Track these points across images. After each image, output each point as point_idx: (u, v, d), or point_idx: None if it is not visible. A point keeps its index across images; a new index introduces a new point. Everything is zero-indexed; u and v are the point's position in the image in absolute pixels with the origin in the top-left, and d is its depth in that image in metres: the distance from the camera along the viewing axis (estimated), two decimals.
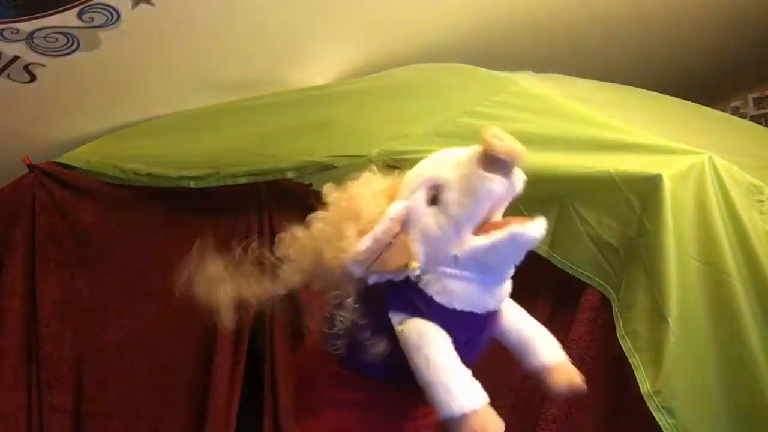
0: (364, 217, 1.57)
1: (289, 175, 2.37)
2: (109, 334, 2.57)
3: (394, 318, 1.58)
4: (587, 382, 2.00)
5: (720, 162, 1.98)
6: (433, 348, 1.53)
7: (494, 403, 1.74)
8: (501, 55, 2.73)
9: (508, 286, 1.63)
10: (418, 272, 1.55)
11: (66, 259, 2.61)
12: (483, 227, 1.52)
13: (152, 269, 2.58)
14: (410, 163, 2.16)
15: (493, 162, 1.48)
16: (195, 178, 2.48)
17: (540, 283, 2.16)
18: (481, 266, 1.54)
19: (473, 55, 2.60)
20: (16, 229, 2.61)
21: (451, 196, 1.52)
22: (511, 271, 1.59)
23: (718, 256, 1.89)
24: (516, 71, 2.48)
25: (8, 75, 2.52)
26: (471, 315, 1.58)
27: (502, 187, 1.51)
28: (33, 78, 2.55)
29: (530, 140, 2.12)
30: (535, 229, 1.51)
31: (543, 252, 2.06)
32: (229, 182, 2.45)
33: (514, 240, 1.50)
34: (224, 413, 2.43)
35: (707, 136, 2.36)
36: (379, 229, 1.53)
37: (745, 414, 1.86)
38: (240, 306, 1.70)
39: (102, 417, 2.55)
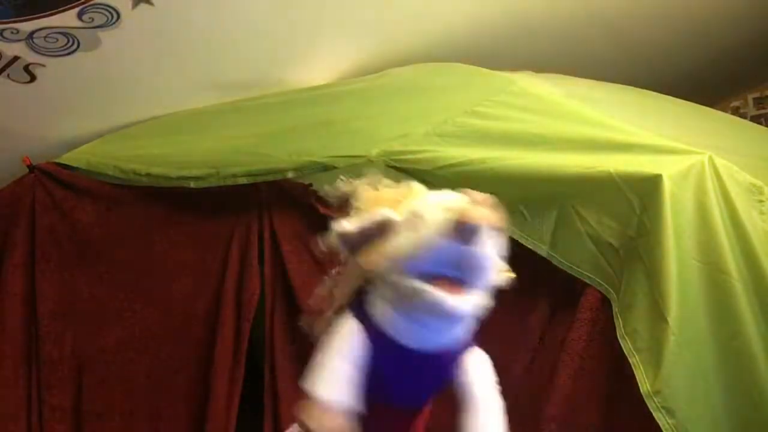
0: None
1: (289, 175, 2.37)
2: (109, 334, 2.58)
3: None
4: (587, 381, 2.01)
5: (720, 162, 1.97)
6: (338, 337, 1.60)
7: None
8: (501, 55, 2.73)
9: (457, 336, 1.62)
10: (371, 276, 1.61)
11: (66, 259, 2.61)
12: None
13: (152, 269, 2.58)
14: (410, 163, 2.20)
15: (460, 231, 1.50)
16: (195, 178, 2.48)
17: (540, 283, 2.16)
18: (408, 305, 1.56)
19: (473, 55, 2.60)
20: (16, 229, 2.61)
21: (416, 235, 1.55)
22: (444, 331, 1.59)
23: (718, 256, 1.89)
24: (516, 71, 2.49)
25: (8, 75, 2.51)
26: (401, 346, 1.59)
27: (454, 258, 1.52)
28: (33, 78, 2.55)
29: (530, 140, 2.14)
30: (459, 302, 1.52)
31: (543, 252, 2.06)
32: (229, 182, 2.45)
33: (432, 304, 1.52)
34: (224, 413, 2.43)
35: (707, 136, 2.36)
36: (366, 217, 1.60)
37: (744, 414, 1.86)
38: None
39: (102, 417, 2.55)
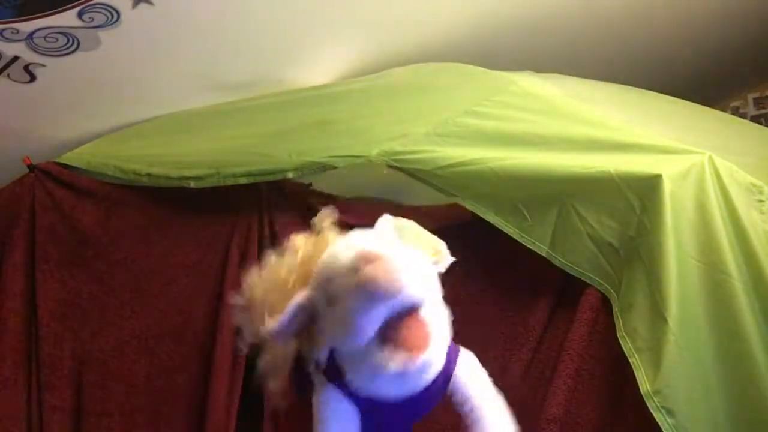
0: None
1: (290, 175, 2.37)
2: (109, 334, 2.57)
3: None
4: (587, 381, 2.02)
5: (720, 162, 1.98)
6: (327, 412, 1.63)
7: None
8: (501, 55, 2.73)
9: (419, 375, 1.62)
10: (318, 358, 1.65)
11: (66, 259, 2.61)
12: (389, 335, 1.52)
13: (152, 269, 2.58)
14: (410, 163, 2.20)
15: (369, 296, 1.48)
16: (195, 178, 2.48)
17: (540, 283, 2.16)
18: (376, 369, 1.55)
19: (473, 55, 2.60)
20: (16, 229, 2.60)
21: (336, 312, 1.55)
22: (421, 375, 1.61)
23: (718, 256, 1.89)
24: (516, 71, 2.48)
25: (8, 75, 2.51)
26: (385, 401, 1.60)
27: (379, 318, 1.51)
28: (33, 78, 2.54)
29: (530, 140, 2.14)
30: (418, 359, 1.51)
31: (543, 252, 2.06)
32: (229, 182, 2.44)
33: (397, 373, 1.52)
34: (224, 413, 2.43)
35: (707, 136, 2.36)
36: (284, 318, 1.60)
37: (744, 414, 1.86)
38: None
39: (102, 417, 2.55)
